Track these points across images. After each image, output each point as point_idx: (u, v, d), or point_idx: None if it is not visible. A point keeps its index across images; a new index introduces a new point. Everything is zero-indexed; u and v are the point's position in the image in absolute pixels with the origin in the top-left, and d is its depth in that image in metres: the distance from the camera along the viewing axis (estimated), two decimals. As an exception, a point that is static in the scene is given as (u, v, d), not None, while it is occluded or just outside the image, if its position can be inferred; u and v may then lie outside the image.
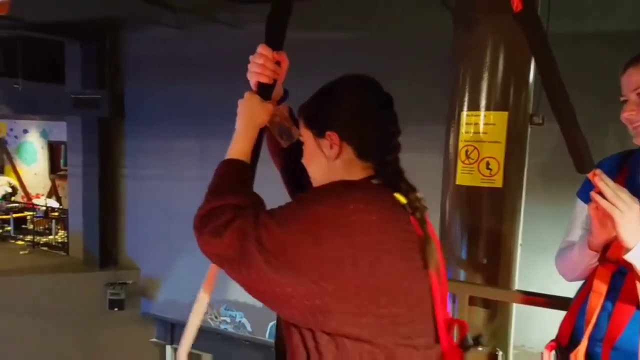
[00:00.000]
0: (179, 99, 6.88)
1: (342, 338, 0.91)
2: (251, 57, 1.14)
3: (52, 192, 11.29)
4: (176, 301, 7.15)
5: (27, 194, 11.76)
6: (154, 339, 7.75)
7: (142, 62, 7.23)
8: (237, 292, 6.52)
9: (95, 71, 7.34)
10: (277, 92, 1.20)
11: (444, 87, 2.53)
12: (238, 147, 1.11)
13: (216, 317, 6.98)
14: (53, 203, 10.30)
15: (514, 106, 2.25)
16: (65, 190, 9.68)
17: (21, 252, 8.54)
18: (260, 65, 1.13)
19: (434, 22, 4.09)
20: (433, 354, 1.02)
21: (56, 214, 9.54)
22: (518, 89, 2.26)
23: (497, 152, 2.21)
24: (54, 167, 11.64)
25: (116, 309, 7.23)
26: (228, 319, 6.93)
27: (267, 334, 6.49)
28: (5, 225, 9.50)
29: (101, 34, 7.25)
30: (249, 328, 6.83)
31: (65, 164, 9.90)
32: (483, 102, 2.24)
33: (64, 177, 10.27)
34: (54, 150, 11.62)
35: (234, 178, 1.07)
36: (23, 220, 9.65)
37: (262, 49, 1.14)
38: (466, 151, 2.26)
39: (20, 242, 8.94)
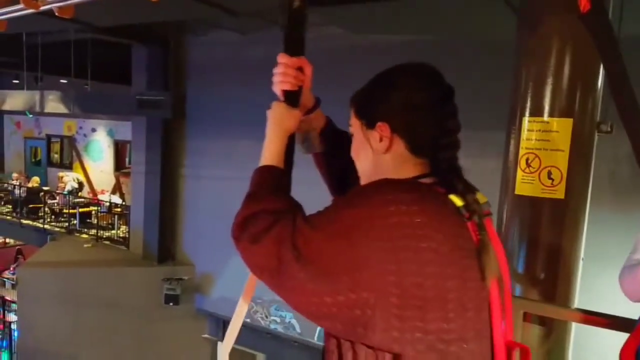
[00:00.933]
0: (239, 102, 7.05)
1: (383, 353, 0.83)
2: (274, 69, 1.13)
3: (116, 189, 11.87)
4: (229, 298, 7.31)
5: (92, 190, 12.44)
6: (206, 335, 7.96)
7: (204, 65, 7.46)
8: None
9: (160, 74, 7.64)
10: (307, 100, 1.17)
11: (506, 90, 2.42)
12: (268, 154, 1.09)
13: (267, 317, 7.08)
14: (116, 199, 10.82)
15: (579, 113, 2.10)
16: (129, 187, 10.14)
17: (85, 245, 9.01)
18: (282, 73, 1.12)
19: (496, 23, 3.96)
20: None
21: (119, 209, 10.02)
22: (585, 94, 2.11)
23: (560, 162, 2.08)
24: (119, 165, 12.25)
25: (171, 304, 7.47)
26: (278, 319, 7.01)
27: (316, 337, 6.50)
28: (72, 219, 10.05)
29: (166, 38, 7.56)
30: (298, 329, 6.87)
31: (130, 162, 10.35)
32: (546, 108, 2.12)
33: (127, 175, 10.77)
34: (120, 149, 12.23)
35: (270, 184, 1.03)
36: (88, 214, 10.18)
37: (281, 57, 1.12)
38: (527, 159, 2.15)
39: (84, 236, 9.44)
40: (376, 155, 0.96)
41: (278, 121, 1.12)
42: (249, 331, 6.98)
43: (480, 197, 0.94)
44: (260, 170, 1.07)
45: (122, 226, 9.49)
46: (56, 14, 1.81)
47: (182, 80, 7.69)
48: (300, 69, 1.12)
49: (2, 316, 11.88)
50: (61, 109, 9.12)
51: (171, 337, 7.76)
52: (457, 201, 0.88)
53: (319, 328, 6.35)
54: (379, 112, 0.96)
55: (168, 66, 7.68)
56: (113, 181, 12.18)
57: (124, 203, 10.47)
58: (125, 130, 10.68)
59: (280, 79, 1.13)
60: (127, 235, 8.93)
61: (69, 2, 1.74)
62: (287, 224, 0.89)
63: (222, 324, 7.71)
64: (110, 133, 12.31)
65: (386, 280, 0.80)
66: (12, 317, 11.40)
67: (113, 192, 11.56)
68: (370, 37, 5.81)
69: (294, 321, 6.87)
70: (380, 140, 0.94)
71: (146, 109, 7.54)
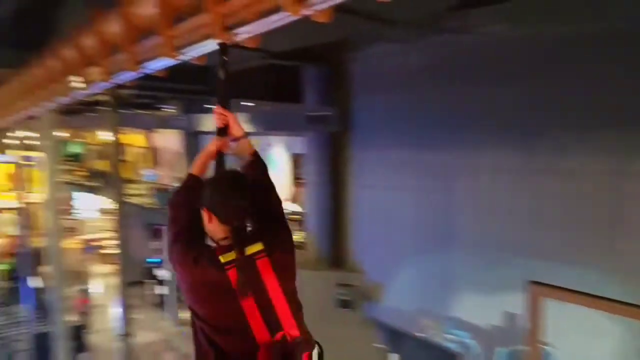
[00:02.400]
0: (404, 110, 7.04)
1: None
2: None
3: (296, 198, 12.77)
4: (398, 309, 7.28)
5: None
6: (378, 344, 8.00)
7: (367, 77, 7.64)
8: (464, 311, 6.29)
9: (327, 90, 8.09)
10: (236, 131, 2.12)
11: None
12: (193, 164, 2.07)
13: (441, 334, 6.81)
14: (296, 207, 11.61)
15: None
16: (303, 197, 10.81)
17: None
18: (216, 117, 2.10)
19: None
20: None
21: (297, 217, 10.74)
22: None
23: None
24: (296, 176, 13.19)
25: (344, 309, 7.71)
26: (453, 338, 6.69)
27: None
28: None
29: (331, 56, 7.95)
30: (475, 350, 6.47)
31: (303, 174, 11.06)
32: None
33: (302, 185, 11.51)
34: (295, 162, 13.18)
35: (183, 185, 2.03)
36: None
37: (216, 108, 2.12)
38: None
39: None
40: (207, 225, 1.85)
41: (207, 145, 2.09)
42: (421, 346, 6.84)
43: (254, 248, 1.77)
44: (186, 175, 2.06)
45: (300, 232, 10.14)
46: (244, 44, 2.02)
47: (347, 94, 7.95)
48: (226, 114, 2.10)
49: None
50: (246, 128, 10.17)
51: (343, 342, 7.95)
52: (222, 259, 1.73)
53: (497, 350, 5.95)
54: (203, 202, 1.82)
55: (333, 82, 8.06)
56: (292, 191, 13.14)
57: (301, 211, 11.17)
58: (300, 145, 11.44)
59: (215, 120, 2.09)
60: (304, 241, 9.52)
61: (256, 33, 1.92)
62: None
63: (392, 335, 7.69)
64: (287, 148, 13.34)
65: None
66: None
67: (293, 201, 12.43)
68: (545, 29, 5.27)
69: (471, 342, 6.48)
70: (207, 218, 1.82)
71: (315, 124, 8.06)
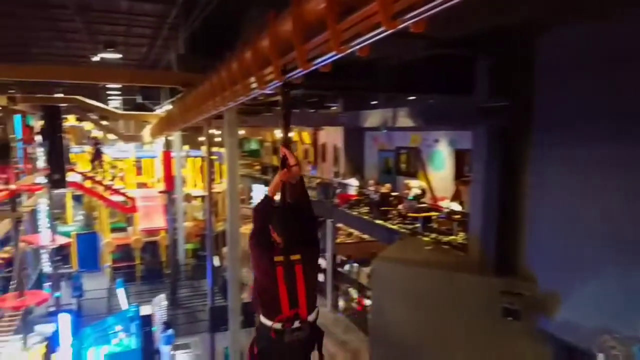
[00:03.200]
0: (597, 102, 6.17)
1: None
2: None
3: (456, 196, 12.27)
4: (577, 324, 6.46)
5: (434, 197, 13.23)
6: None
7: (556, 64, 6.72)
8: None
9: (502, 80, 7.28)
10: (291, 162, 3.15)
11: None
12: (269, 187, 3.23)
13: (626, 356, 5.87)
14: (455, 206, 11.17)
15: None
16: (468, 195, 10.30)
17: (426, 247, 9.62)
18: (283, 156, 3.22)
19: None
20: None
21: (458, 216, 10.30)
22: None
23: None
24: (458, 173, 12.65)
25: (510, 319, 7.11)
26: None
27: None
28: (415, 222, 10.97)
29: (511, 42, 7.15)
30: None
31: (469, 171, 10.54)
32: None
33: (466, 183, 10.99)
34: (460, 158, 12.62)
35: (260, 205, 3.13)
36: (429, 219, 10.88)
37: (281, 148, 3.29)
38: None
39: (426, 239, 10.08)
40: None
41: (276, 176, 3.18)
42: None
43: (295, 257, 2.92)
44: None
45: (460, 233, 9.72)
46: (411, 30, 1.91)
47: (528, 83, 7.09)
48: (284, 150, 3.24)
49: (360, 299, 14.03)
50: (409, 123, 10.06)
51: (507, 353, 7.41)
52: (276, 258, 2.90)
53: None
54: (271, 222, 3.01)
55: (513, 72, 7.25)
56: (453, 189, 12.66)
57: (462, 210, 10.71)
58: (466, 140, 10.95)
59: (283, 156, 3.21)
60: (465, 242, 9.07)
61: (423, 15, 1.80)
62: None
63: (568, 352, 6.87)
64: (452, 143, 12.85)
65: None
66: (366, 301, 13.29)
67: (452, 200, 11.98)
68: None
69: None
70: None
71: (487, 117, 7.43)
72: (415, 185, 12.76)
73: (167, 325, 12.61)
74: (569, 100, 6.63)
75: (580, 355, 6.59)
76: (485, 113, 7.42)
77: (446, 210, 10.82)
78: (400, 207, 12.04)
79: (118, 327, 12.33)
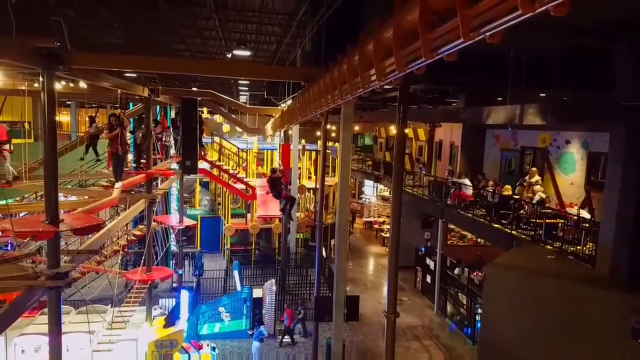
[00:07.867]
0: None
1: None
2: None
3: (586, 203, 11.21)
4: None
5: (560, 202, 12.19)
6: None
7: None
8: None
9: None
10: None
11: None
12: None
13: None
14: (585, 214, 10.21)
15: None
16: (600, 202, 9.36)
17: (548, 257, 8.93)
18: None
19: None
20: None
21: (587, 225, 9.39)
22: None
23: None
24: (591, 178, 11.51)
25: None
26: None
27: None
28: (538, 228, 10.17)
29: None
30: None
31: (603, 176, 9.57)
32: None
33: (599, 189, 9.98)
34: (593, 162, 11.48)
35: None
36: (554, 226, 10.04)
37: None
38: None
39: (548, 247, 9.36)
40: None
41: None
42: None
43: None
44: None
45: (588, 243, 8.86)
46: (551, 13, 1.78)
47: None
48: None
49: (468, 306, 13.46)
50: (538, 121, 9.36)
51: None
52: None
53: None
54: None
55: None
56: (583, 195, 11.58)
57: (592, 219, 9.76)
58: (601, 142, 9.98)
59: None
60: (593, 254, 8.26)
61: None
62: None
63: None
64: (585, 145, 11.74)
65: None
66: (477, 309, 12.71)
67: (582, 207, 10.96)
68: None
69: None
70: None
71: (628, 116, 6.69)
72: (538, 190, 11.83)
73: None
74: None
75: None
76: (626, 111, 6.67)
77: (574, 217, 9.92)
78: (522, 211, 11.27)
79: (221, 308, 13.32)
